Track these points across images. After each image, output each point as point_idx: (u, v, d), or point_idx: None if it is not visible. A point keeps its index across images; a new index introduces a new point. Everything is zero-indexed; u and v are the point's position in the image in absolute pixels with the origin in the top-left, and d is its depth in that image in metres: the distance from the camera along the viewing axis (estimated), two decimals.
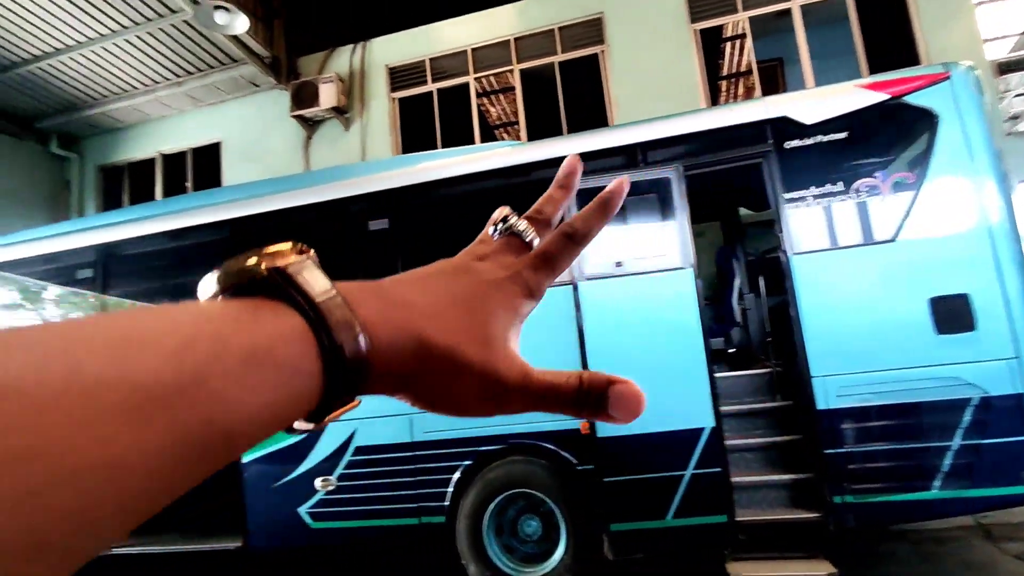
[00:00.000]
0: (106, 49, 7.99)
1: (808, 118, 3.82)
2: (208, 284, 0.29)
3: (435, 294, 0.34)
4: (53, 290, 5.82)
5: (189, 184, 9.23)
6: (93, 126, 9.56)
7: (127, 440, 0.20)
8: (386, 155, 8.26)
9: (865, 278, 3.60)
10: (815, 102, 3.87)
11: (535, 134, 7.78)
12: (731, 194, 5.52)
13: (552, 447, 3.86)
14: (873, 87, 3.79)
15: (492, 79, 8.65)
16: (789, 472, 3.74)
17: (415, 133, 8.50)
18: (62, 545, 0.18)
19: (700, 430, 3.54)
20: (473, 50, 8.31)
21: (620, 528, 3.61)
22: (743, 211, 6.09)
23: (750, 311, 5.37)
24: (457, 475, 3.99)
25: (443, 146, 8.16)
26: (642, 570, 3.90)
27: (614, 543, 3.61)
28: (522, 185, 4.39)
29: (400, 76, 8.59)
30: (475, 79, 8.37)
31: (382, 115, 8.48)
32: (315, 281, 0.29)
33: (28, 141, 9.34)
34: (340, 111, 8.37)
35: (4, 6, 6.98)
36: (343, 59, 8.67)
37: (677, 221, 3.84)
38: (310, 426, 0.30)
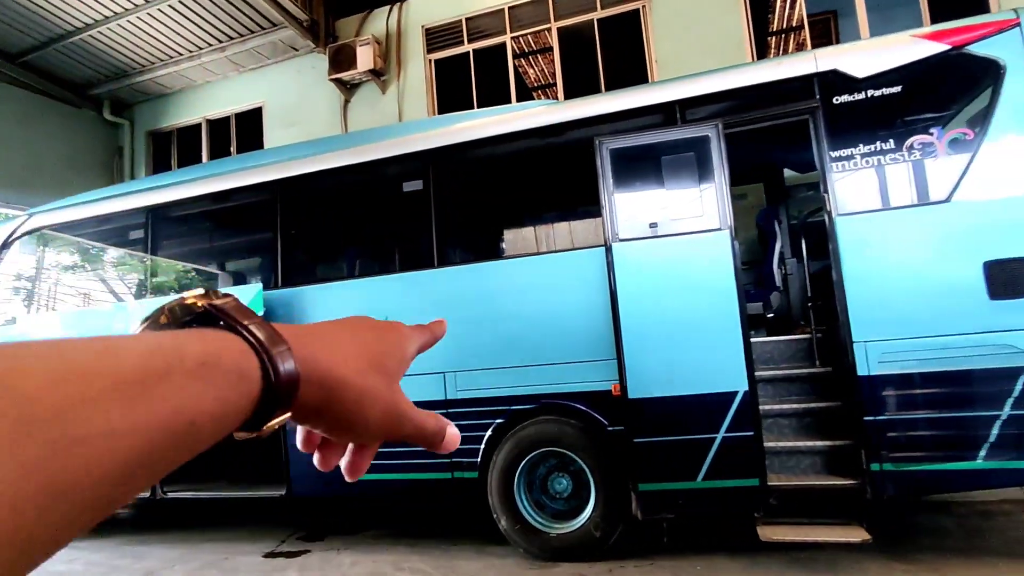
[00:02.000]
0: (152, 15, 8.16)
1: (860, 71, 3.62)
2: (146, 320, 0.35)
3: (348, 339, 0.41)
4: (111, 252, 6.11)
5: (233, 148, 9.43)
6: (142, 92, 9.84)
7: (118, 416, 0.25)
8: (422, 116, 8.23)
9: (915, 241, 3.44)
10: (868, 54, 3.66)
11: (573, 96, 7.60)
12: (775, 154, 5.31)
13: (583, 407, 3.88)
14: (933, 37, 3.55)
15: (529, 38, 8.47)
16: (826, 439, 3.67)
17: (451, 95, 8.43)
18: (71, 498, 0.23)
19: (733, 394, 3.50)
20: (510, 8, 8.12)
21: (649, 488, 3.62)
22: (788, 173, 5.86)
23: (791, 276, 5.21)
24: (489, 432, 4.06)
25: (480, 108, 8.08)
26: (672, 531, 3.92)
27: (643, 502, 3.63)
28: (557, 145, 4.33)
29: (436, 37, 8.49)
30: (512, 38, 8.20)
31: (418, 77, 8.42)
32: (247, 313, 0.36)
33: (84, 108, 9.69)
34: (377, 74, 8.35)
35: None
36: (380, 21, 8.61)
37: (715, 181, 3.72)
38: (252, 435, 0.35)
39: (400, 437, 0.44)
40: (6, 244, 5.96)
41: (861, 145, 3.57)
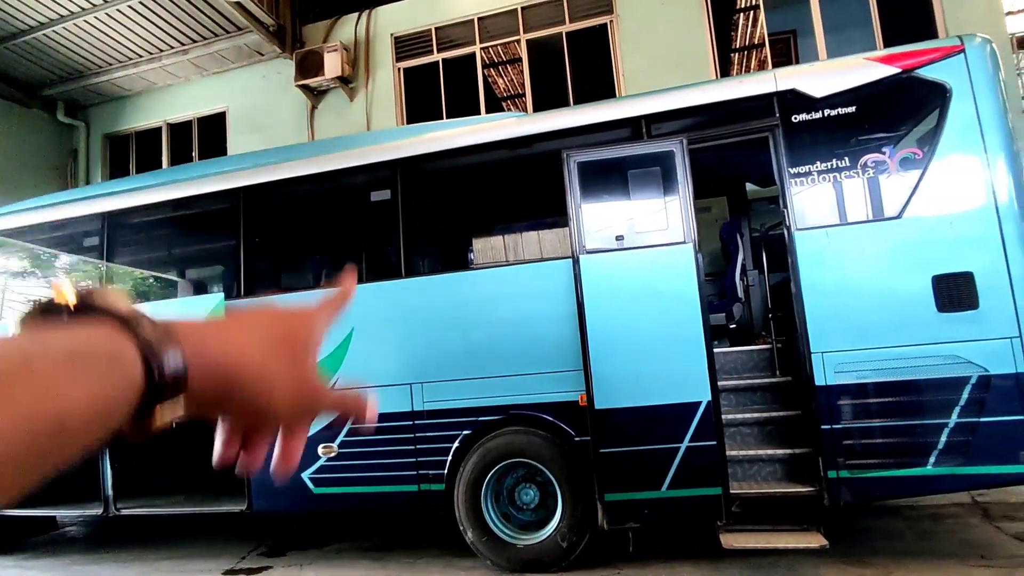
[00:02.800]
0: (110, 15, 7.92)
1: (817, 91, 3.75)
2: (21, 320, 0.34)
3: (246, 327, 0.41)
4: (66, 259, 5.88)
5: (195, 154, 9.21)
6: (99, 94, 9.53)
7: None
8: (390, 125, 8.19)
9: (869, 255, 3.57)
10: (824, 75, 3.80)
11: (542, 107, 7.67)
12: (737, 169, 5.45)
13: (550, 418, 3.90)
14: (885, 60, 3.71)
15: (499, 49, 8.53)
16: (786, 447, 3.77)
17: (420, 104, 8.42)
18: None
19: (697, 404, 3.56)
20: (480, 19, 8.17)
21: (615, 498, 3.65)
22: (749, 187, 6.02)
23: (753, 287, 5.34)
24: (456, 444, 4.04)
25: (449, 118, 8.08)
26: (636, 539, 3.96)
27: (609, 512, 3.66)
28: (526, 157, 4.36)
29: (406, 45, 8.47)
30: (482, 49, 8.25)
31: (387, 85, 8.39)
32: (117, 299, 0.35)
33: (35, 108, 9.33)
34: (345, 81, 8.29)
35: None
36: (348, 28, 8.55)
37: (679, 195, 3.80)
38: (142, 433, 0.35)
39: (318, 413, 0.44)
40: None
41: (818, 162, 3.70)
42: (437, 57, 8.32)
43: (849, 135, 3.75)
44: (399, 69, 8.44)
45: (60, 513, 5.57)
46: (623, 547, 3.95)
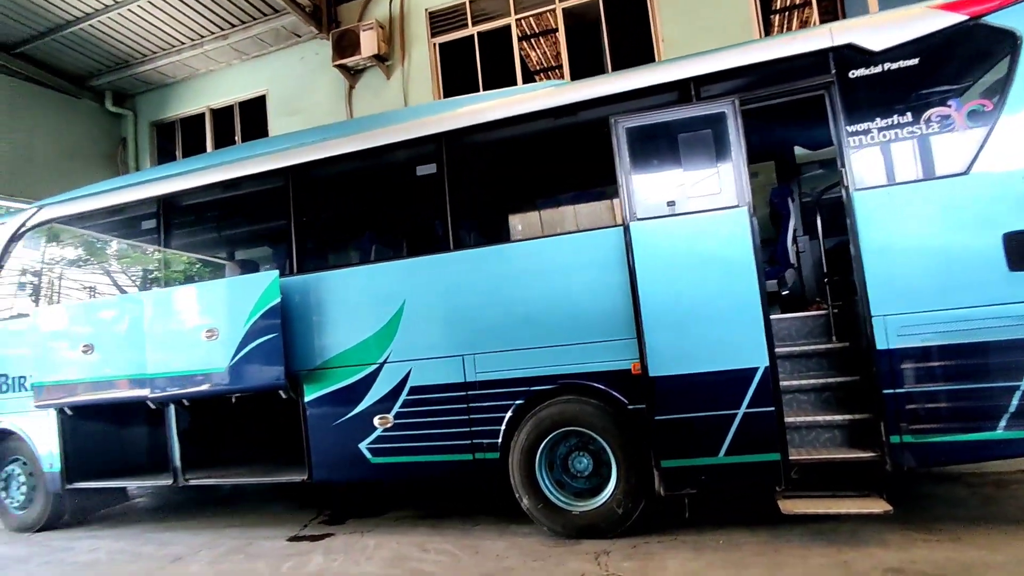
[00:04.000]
0: (151, 3, 8.10)
1: (876, 45, 3.60)
2: None
3: None
4: (122, 243, 6.12)
5: (238, 138, 9.40)
6: (145, 82, 9.79)
7: None
8: (427, 102, 8.20)
9: (932, 214, 3.44)
10: (884, 27, 3.64)
11: (580, 78, 7.55)
12: (786, 132, 5.30)
13: (602, 387, 3.91)
14: (949, 7, 3.53)
15: (533, 21, 8.41)
16: (844, 413, 3.71)
17: (456, 80, 8.39)
18: None
19: (754, 370, 3.52)
20: None
21: (672, 464, 3.66)
22: (798, 150, 5.85)
23: (804, 253, 5.22)
24: (509, 414, 4.10)
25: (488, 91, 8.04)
26: (692, 506, 3.97)
27: (666, 479, 3.67)
28: (571, 125, 4.32)
29: (440, 20, 8.42)
30: (516, 20, 8.14)
31: (423, 62, 8.38)
32: None
33: (84, 99, 9.63)
34: (381, 59, 8.31)
35: None
36: (382, 5, 8.54)
37: (732, 158, 3.72)
38: None
39: None
40: (14, 237, 5.97)
41: (878, 119, 3.56)
42: (472, 31, 8.26)
43: (911, 89, 3.59)
44: (434, 44, 8.41)
45: (131, 484, 5.87)
46: (679, 514, 3.97)
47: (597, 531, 3.90)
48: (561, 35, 8.05)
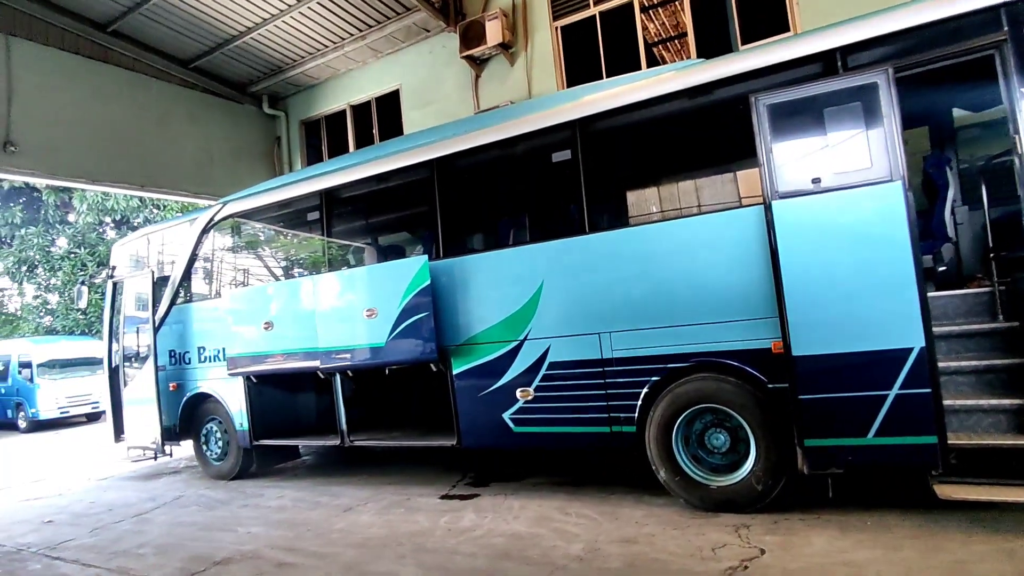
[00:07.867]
0: (302, 13, 8.98)
1: None
2: None
3: None
4: (292, 233, 6.96)
5: (375, 131, 10.17)
6: (294, 85, 10.85)
7: None
8: (551, 87, 8.38)
9: None
10: None
11: (706, 49, 7.36)
12: (945, 95, 4.88)
13: (740, 365, 3.95)
14: None
15: None
16: (1012, 397, 3.48)
17: (578, 62, 8.47)
18: None
19: (908, 350, 3.40)
20: None
21: (816, 444, 3.63)
22: (956, 112, 5.36)
23: (962, 225, 4.83)
24: (646, 389, 4.26)
25: (607, 73, 8.07)
26: (836, 486, 3.92)
27: (810, 457, 3.65)
28: (705, 105, 4.31)
29: (562, 3, 8.52)
30: None
31: (546, 46, 8.54)
32: None
33: (246, 104, 10.88)
34: (506, 47, 8.58)
35: None
36: None
37: (885, 130, 3.55)
38: None
39: None
40: (206, 229, 6.96)
41: None
42: (594, 11, 8.28)
43: None
44: (556, 28, 8.54)
45: (304, 443, 6.75)
46: (822, 493, 3.94)
47: (735, 506, 3.98)
48: (686, 3, 7.86)
